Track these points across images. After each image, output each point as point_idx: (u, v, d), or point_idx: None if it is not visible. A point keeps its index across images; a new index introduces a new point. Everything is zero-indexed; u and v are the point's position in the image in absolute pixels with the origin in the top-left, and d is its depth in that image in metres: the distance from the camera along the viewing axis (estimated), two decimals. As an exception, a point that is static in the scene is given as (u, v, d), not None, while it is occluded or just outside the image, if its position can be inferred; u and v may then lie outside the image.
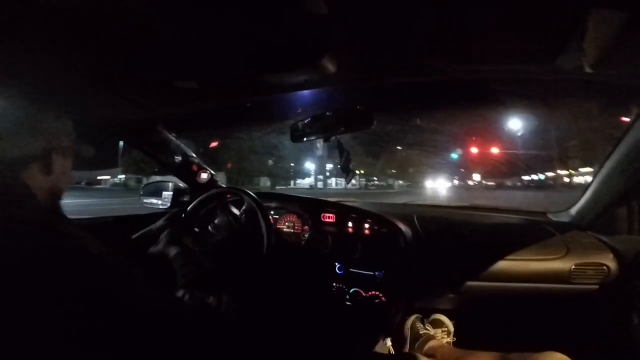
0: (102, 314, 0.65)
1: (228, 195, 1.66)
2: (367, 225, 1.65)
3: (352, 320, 1.61)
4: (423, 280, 1.58)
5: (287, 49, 0.96)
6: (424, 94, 1.59)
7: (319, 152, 26.99)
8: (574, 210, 1.66)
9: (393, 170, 33.02)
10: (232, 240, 1.47)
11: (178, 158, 1.92)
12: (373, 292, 1.55)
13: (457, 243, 1.63)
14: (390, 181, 33.93)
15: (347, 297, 1.61)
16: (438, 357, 1.46)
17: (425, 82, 1.27)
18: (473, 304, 1.70)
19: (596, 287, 1.44)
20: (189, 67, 1.07)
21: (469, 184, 26.91)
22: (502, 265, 1.51)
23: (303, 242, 1.75)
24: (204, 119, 1.90)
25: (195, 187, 1.99)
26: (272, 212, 1.87)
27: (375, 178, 34.32)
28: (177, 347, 0.79)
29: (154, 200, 2.00)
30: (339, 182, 34.35)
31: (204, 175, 1.99)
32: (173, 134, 1.88)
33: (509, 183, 24.89)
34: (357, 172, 31.61)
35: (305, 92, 1.29)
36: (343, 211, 1.73)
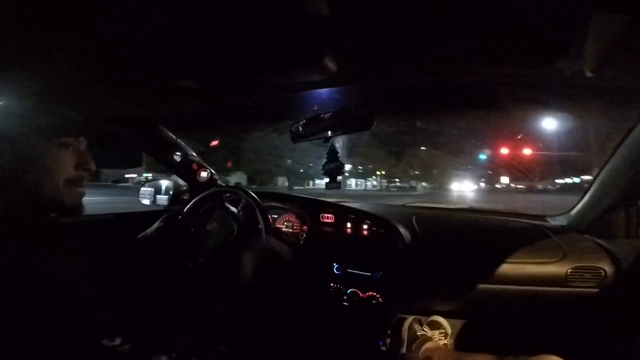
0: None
1: (227, 194, 1.66)
2: (365, 226, 1.65)
3: (349, 321, 1.61)
4: (421, 281, 1.59)
5: (289, 49, 0.97)
6: (451, 94, 1.57)
7: (338, 152, 26.22)
8: (572, 214, 1.65)
9: (416, 172, 31.68)
10: (230, 239, 1.48)
11: (178, 156, 1.93)
12: (370, 293, 1.55)
13: (455, 245, 1.63)
14: (413, 183, 32.55)
15: (345, 297, 1.60)
16: (435, 359, 1.46)
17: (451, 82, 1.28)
18: (470, 306, 1.69)
19: (593, 290, 1.43)
20: (191, 66, 1.09)
21: (496, 187, 25.47)
22: (500, 267, 1.50)
23: (301, 242, 1.75)
24: (210, 118, 1.92)
25: (195, 185, 2.01)
26: (271, 212, 1.86)
27: (397, 179, 33.11)
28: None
29: (151, 199, 2.01)
30: (358, 182, 33.69)
31: (204, 174, 2.01)
32: (168, 131, 1.90)
33: (539, 186, 23.70)
34: (378, 172, 31.45)
35: (323, 90, 1.31)
36: (342, 212, 1.73)
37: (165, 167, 2.02)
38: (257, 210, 1.46)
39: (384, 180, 32.82)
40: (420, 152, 29.00)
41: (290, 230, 1.83)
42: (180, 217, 1.55)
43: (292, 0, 0.75)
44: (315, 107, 1.50)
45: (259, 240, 1.39)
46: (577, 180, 18.93)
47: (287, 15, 0.81)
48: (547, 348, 1.14)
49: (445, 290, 1.64)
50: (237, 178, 26.50)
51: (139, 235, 1.44)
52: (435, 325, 1.76)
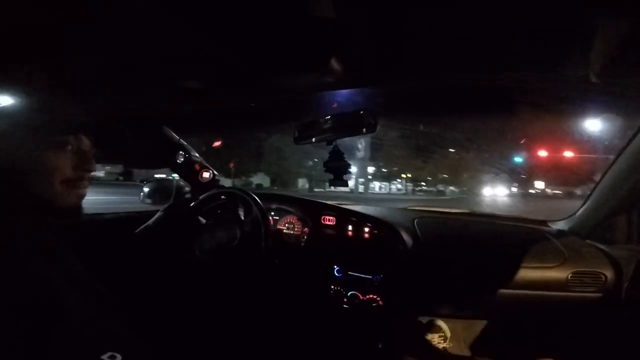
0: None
1: (229, 195, 1.68)
2: (366, 229, 1.65)
3: (349, 323, 1.60)
4: (421, 285, 1.58)
5: (295, 51, 0.97)
6: (484, 95, 1.56)
7: (360, 154, 25.28)
8: (573, 219, 1.65)
9: (444, 175, 29.94)
10: (231, 240, 1.48)
11: (181, 157, 1.94)
12: (371, 296, 1.55)
13: (456, 249, 1.63)
14: (441, 187, 30.96)
15: (345, 300, 1.60)
16: None
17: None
18: (471, 310, 1.70)
19: (594, 295, 1.44)
20: (195, 67, 1.11)
21: (529, 192, 24.49)
22: (500, 272, 1.51)
23: (302, 244, 1.76)
24: (214, 119, 1.94)
25: (197, 186, 2.00)
26: (272, 214, 1.88)
27: (423, 183, 31.42)
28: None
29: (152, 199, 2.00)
30: (382, 186, 32.35)
31: (206, 175, 2.01)
32: (171, 132, 1.91)
33: (578, 192, 22.54)
34: (404, 175, 30.12)
35: (343, 91, 1.31)
36: (343, 214, 1.73)
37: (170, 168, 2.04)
38: (258, 213, 1.47)
39: (410, 184, 31.43)
40: (449, 154, 26.74)
41: (292, 232, 1.83)
42: (181, 209, 1.59)
43: (297, 2, 0.75)
44: (335, 105, 1.50)
45: (258, 249, 1.40)
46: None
47: (292, 17, 0.81)
48: (547, 352, 1.13)
49: (445, 293, 1.63)
50: (259, 179, 26.51)
51: (141, 227, 1.48)
52: (435, 329, 1.76)
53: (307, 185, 27.44)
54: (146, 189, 1.95)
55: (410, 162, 27.85)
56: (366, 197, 22.28)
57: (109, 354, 0.61)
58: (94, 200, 2.19)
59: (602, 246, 1.50)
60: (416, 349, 1.65)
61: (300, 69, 1.06)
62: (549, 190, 23.03)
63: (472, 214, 2.00)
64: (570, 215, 1.66)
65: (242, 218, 1.54)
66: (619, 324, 1.37)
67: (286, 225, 1.85)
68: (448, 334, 1.74)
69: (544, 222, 1.78)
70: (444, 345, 1.69)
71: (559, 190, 22.36)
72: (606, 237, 1.51)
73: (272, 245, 1.45)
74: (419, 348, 1.66)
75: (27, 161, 0.77)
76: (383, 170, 30.95)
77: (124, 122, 1.66)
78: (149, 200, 1.92)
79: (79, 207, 0.86)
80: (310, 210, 1.81)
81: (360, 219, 1.67)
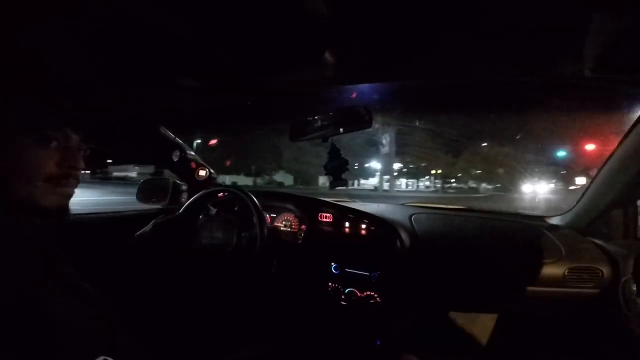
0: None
1: (225, 193, 1.67)
2: (363, 226, 1.65)
3: (347, 321, 1.61)
4: (418, 281, 1.58)
5: (288, 47, 0.97)
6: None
7: (385, 149, 23.29)
8: (571, 214, 1.64)
9: (477, 171, 26.86)
10: (227, 241, 1.48)
11: (177, 155, 1.93)
12: (368, 293, 1.55)
13: (452, 245, 1.63)
14: (472, 183, 27.81)
15: (343, 297, 1.60)
16: None
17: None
18: (468, 306, 1.68)
19: (591, 291, 1.43)
20: (190, 65, 1.10)
21: (569, 189, 22.94)
22: (497, 267, 1.51)
23: (299, 241, 1.76)
24: (210, 116, 1.93)
25: (194, 184, 2.00)
26: (269, 211, 1.87)
27: (452, 179, 28.54)
28: None
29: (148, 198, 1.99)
30: (409, 183, 30.17)
31: (202, 173, 2.00)
32: (167, 130, 1.90)
33: None
34: (433, 171, 28.11)
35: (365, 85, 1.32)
36: (340, 211, 1.73)
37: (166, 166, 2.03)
38: (253, 210, 1.45)
39: (438, 181, 28.97)
40: (482, 149, 24.44)
41: (289, 229, 1.83)
42: (178, 213, 1.56)
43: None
44: (354, 96, 1.48)
45: (253, 253, 1.39)
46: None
47: (286, 13, 0.80)
48: (545, 348, 1.13)
49: (442, 290, 1.62)
50: (281, 177, 26.11)
51: (137, 233, 1.47)
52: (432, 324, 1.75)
53: (327, 184, 26.28)
54: (142, 188, 1.94)
55: (440, 157, 25.81)
56: (392, 195, 20.77)
57: (102, 358, 0.60)
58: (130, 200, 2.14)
59: (599, 241, 1.49)
60: (414, 345, 1.66)
61: (294, 65, 1.06)
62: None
63: (469, 210, 2.01)
64: (567, 211, 1.66)
65: (238, 218, 1.54)
66: (616, 320, 1.36)
67: (283, 222, 1.85)
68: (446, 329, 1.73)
69: (541, 218, 1.78)
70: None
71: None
72: (603, 232, 1.51)
73: (270, 244, 1.45)
74: (417, 344, 1.66)
75: (6, 158, 0.72)
76: (410, 166, 28.92)
77: (120, 120, 1.65)
78: (145, 199, 1.91)
79: (64, 207, 0.81)
80: (307, 207, 1.81)
81: (357, 216, 1.67)
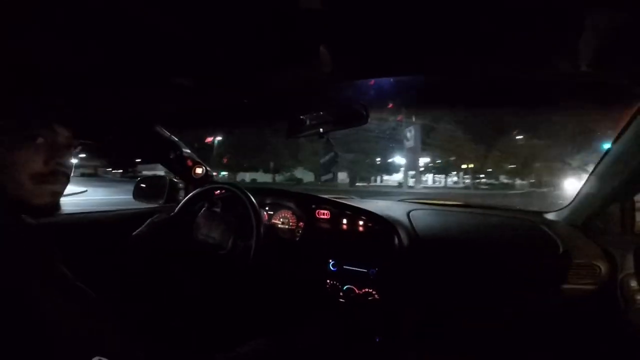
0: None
1: (222, 190, 1.66)
2: (361, 223, 1.65)
3: (346, 318, 1.59)
4: (417, 277, 1.58)
5: (284, 45, 0.96)
6: None
7: (410, 143, 22.46)
8: (568, 210, 1.63)
9: (512, 166, 24.05)
10: (223, 240, 1.48)
11: (173, 153, 1.92)
12: (366, 290, 1.55)
13: (450, 241, 1.63)
14: (504, 178, 25.27)
15: (341, 294, 1.60)
16: None
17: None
18: (466, 302, 1.67)
19: (589, 287, 1.43)
20: (186, 64, 1.09)
21: None
22: (495, 263, 1.52)
23: (297, 238, 1.75)
24: (206, 115, 1.92)
25: (190, 182, 2.00)
26: (267, 208, 1.87)
27: (482, 175, 26.16)
28: None
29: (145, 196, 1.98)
30: (437, 178, 28.73)
31: (199, 170, 1.99)
32: (163, 128, 1.87)
33: None
34: (464, 166, 26.21)
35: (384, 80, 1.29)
36: (338, 208, 1.73)
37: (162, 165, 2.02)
38: (249, 207, 1.44)
39: (467, 176, 26.72)
40: (517, 142, 22.61)
41: (287, 226, 1.82)
42: (174, 213, 1.55)
43: None
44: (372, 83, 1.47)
45: (251, 236, 1.38)
46: None
47: (281, 11, 0.79)
48: (543, 345, 1.13)
49: (440, 286, 1.62)
50: (300, 173, 25.88)
51: (134, 233, 1.46)
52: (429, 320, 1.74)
53: (347, 180, 24.75)
54: (139, 187, 1.93)
55: (470, 152, 23.96)
56: (416, 192, 19.05)
57: (97, 358, 0.60)
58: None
59: (596, 238, 1.49)
60: (413, 342, 1.66)
61: (290, 62, 1.05)
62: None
63: (467, 206, 2.00)
64: (565, 206, 1.66)
65: (235, 216, 1.53)
66: (615, 317, 1.37)
67: (281, 219, 1.84)
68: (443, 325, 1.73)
69: (538, 213, 1.78)
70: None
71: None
72: (600, 228, 1.51)
73: (266, 242, 1.44)
74: (416, 341, 1.66)
75: None
76: (438, 161, 26.98)
77: (116, 118, 1.64)
78: (142, 198, 1.90)
79: (53, 204, 0.80)
80: (304, 204, 1.81)
81: (355, 213, 1.67)
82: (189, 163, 1.97)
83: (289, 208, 1.84)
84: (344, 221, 1.68)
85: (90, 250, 1.21)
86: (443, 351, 1.68)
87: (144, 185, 2.02)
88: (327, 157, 1.39)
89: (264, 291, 1.59)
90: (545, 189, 19.08)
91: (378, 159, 25.32)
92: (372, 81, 1.36)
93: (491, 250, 1.55)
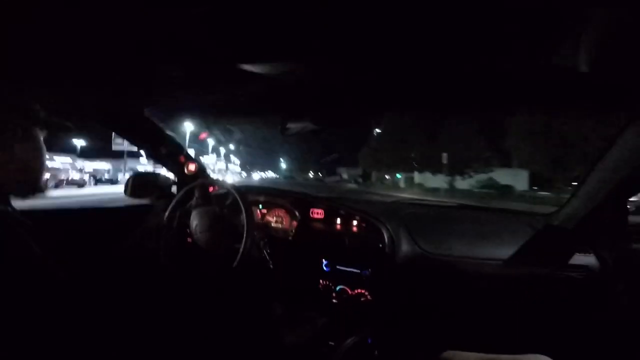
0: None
1: (215, 187, 1.65)
2: (355, 222, 1.65)
3: (338, 318, 1.60)
4: (409, 278, 1.58)
5: (274, 39, 0.95)
6: None
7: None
8: (562, 212, 1.63)
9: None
10: (216, 232, 1.44)
11: (165, 148, 1.90)
12: (359, 290, 1.55)
13: (443, 241, 1.61)
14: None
15: (334, 294, 1.61)
16: None
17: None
18: (460, 302, 1.67)
19: (580, 290, 1.44)
20: (178, 56, 1.07)
21: None
22: (488, 264, 1.52)
23: (290, 238, 1.74)
24: (198, 108, 1.90)
25: (183, 178, 1.97)
26: (260, 207, 1.86)
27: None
28: None
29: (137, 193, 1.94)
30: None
31: (192, 167, 1.97)
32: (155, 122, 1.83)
33: None
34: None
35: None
36: (332, 208, 1.72)
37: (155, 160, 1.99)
38: (241, 205, 1.41)
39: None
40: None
41: (280, 225, 1.81)
42: (169, 208, 1.53)
43: None
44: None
45: (241, 234, 1.36)
46: None
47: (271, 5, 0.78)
48: (536, 346, 1.13)
49: (433, 286, 1.62)
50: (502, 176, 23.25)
51: (127, 240, 1.45)
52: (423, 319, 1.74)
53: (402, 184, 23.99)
54: (130, 183, 1.90)
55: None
56: None
57: None
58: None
59: (589, 240, 1.50)
60: (405, 343, 1.65)
61: (282, 56, 1.04)
62: None
63: (461, 206, 2.01)
64: (559, 209, 1.65)
65: (228, 213, 1.49)
66: (605, 318, 1.39)
67: (274, 218, 1.83)
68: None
69: (532, 215, 1.78)
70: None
71: None
72: (593, 230, 1.51)
73: (258, 242, 1.45)
74: (408, 343, 1.66)
75: None
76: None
77: (106, 112, 1.61)
78: (133, 194, 1.87)
79: (30, 195, 0.82)
80: (298, 203, 1.80)
81: (349, 213, 1.66)
82: (182, 159, 1.95)
83: (282, 207, 1.83)
84: (338, 221, 1.68)
85: (86, 250, 1.21)
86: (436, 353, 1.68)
87: (135, 182, 1.94)
88: (328, 158, 1.36)
89: (254, 291, 1.58)
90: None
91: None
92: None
93: (483, 251, 1.55)
